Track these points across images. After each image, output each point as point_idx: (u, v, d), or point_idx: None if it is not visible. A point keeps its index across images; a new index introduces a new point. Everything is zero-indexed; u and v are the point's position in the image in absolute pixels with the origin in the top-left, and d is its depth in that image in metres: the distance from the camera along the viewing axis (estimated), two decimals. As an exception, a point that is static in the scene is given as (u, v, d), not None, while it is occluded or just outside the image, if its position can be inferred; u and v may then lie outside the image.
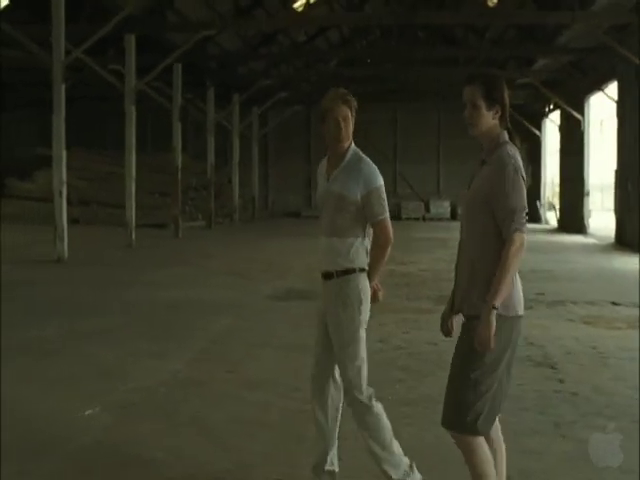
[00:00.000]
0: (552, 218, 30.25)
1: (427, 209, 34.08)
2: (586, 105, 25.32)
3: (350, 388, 4.04)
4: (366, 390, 4.03)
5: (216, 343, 8.12)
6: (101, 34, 16.70)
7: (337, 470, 4.22)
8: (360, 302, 4.03)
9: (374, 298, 4.12)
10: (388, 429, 4.06)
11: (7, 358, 7.32)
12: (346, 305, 4.03)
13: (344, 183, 4.03)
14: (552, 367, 7.15)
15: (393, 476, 4.03)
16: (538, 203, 31.79)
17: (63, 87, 15.77)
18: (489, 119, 3.46)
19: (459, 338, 3.53)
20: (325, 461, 4.17)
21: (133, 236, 18.97)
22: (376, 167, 4.08)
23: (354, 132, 4.09)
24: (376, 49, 30.19)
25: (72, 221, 27.40)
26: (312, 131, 34.96)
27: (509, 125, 3.52)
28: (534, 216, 31.83)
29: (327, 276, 4.09)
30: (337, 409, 4.20)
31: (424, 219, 33.19)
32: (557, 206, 29.56)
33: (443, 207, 33.79)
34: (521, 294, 3.52)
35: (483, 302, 3.34)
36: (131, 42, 19.25)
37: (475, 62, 28.88)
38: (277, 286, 12.14)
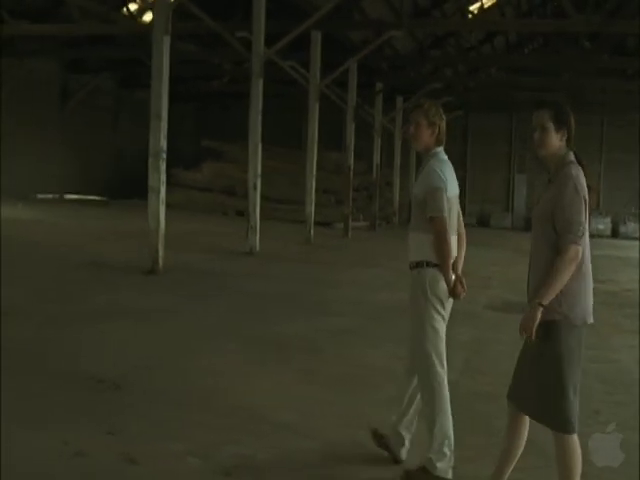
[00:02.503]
0: None
1: (586, 225, 32.86)
2: None
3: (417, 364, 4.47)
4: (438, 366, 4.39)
5: (477, 354, 7.84)
6: (298, 31, 16.72)
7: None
8: (424, 293, 4.38)
9: (453, 293, 4.39)
10: (441, 402, 4.37)
11: (268, 352, 7.29)
12: (416, 296, 4.44)
13: (418, 184, 4.54)
14: None
15: (430, 452, 4.33)
16: None
17: (261, 81, 15.83)
18: (557, 141, 3.79)
19: (533, 343, 3.74)
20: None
21: (312, 232, 18.98)
22: (441, 171, 4.43)
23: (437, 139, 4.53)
24: (540, 57, 29.39)
25: (237, 213, 28.04)
26: (469, 138, 34.41)
27: (574, 149, 3.82)
28: None
29: (410, 267, 4.51)
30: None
31: (583, 235, 31.89)
32: None
33: (604, 223, 32.35)
34: (590, 303, 3.78)
35: (545, 305, 3.65)
36: (317, 39, 19.24)
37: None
38: (490, 296, 11.76)
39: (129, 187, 32.55)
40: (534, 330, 3.65)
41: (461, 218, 4.65)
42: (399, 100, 29.44)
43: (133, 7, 25.12)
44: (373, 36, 21.60)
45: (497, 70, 30.02)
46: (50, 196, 29.72)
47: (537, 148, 3.82)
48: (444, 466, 4.32)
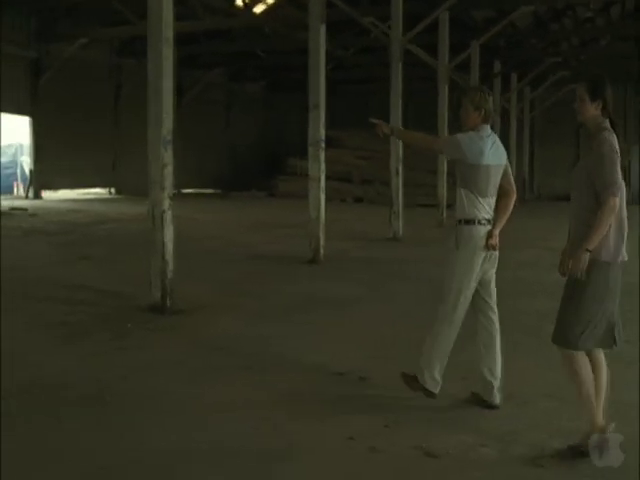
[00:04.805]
0: None
1: None
2: None
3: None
4: (449, 304, 5.33)
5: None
6: (435, 15, 16.54)
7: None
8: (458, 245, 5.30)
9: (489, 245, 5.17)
10: (445, 339, 5.31)
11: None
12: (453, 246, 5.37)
13: None
14: None
15: (419, 373, 5.27)
16: None
17: (400, 66, 15.70)
18: (592, 110, 4.36)
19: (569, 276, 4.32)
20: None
21: (444, 215, 18.79)
22: (470, 138, 5.10)
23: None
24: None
25: (355, 200, 28.08)
26: (582, 112, 33.44)
27: (612, 116, 4.35)
28: None
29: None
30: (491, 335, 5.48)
31: None
32: None
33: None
34: (623, 246, 4.32)
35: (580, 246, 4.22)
36: (445, 20, 18.93)
37: None
38: None
39: (241, 179, 32.95)
40: (582, 272, 4.21)
41: (512, 181, 5.27)
42: (514, 77, 28.82)
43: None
44: (496, 15, 21.23)
45: (612, 40, 29.11)
46: (168, 191, 30.22)
47: (577, 115, 4.40)
48: (431, 383, 5.20)
